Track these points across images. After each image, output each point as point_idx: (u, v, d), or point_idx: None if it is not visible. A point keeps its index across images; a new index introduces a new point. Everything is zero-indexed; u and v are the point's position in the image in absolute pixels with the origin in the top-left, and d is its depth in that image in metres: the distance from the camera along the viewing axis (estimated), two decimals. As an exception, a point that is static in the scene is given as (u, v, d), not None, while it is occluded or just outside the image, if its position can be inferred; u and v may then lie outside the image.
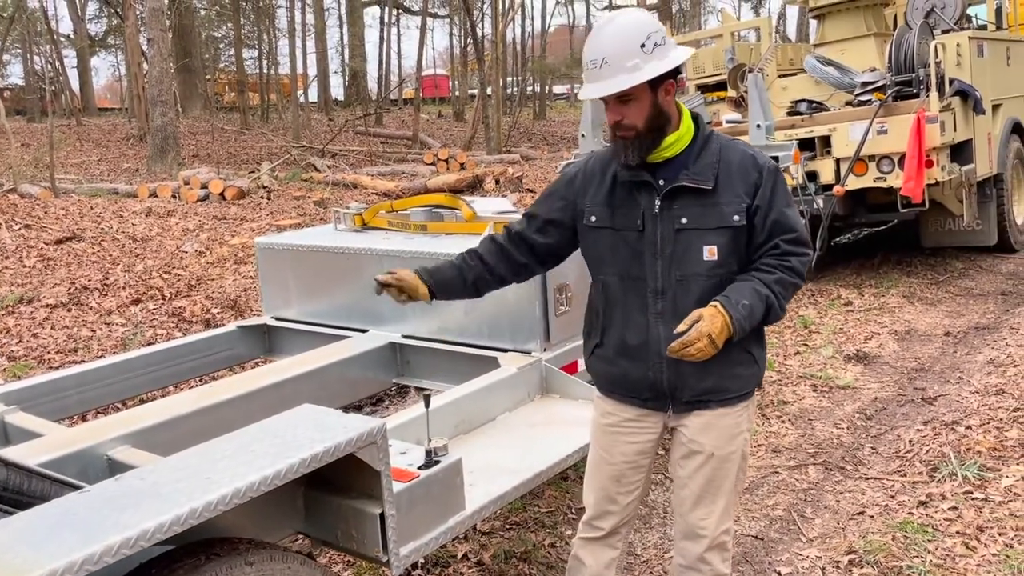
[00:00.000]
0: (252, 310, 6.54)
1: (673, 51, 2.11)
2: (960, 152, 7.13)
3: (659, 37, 2.08)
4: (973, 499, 3.47)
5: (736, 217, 2.12)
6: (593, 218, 2.25)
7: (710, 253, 2.13)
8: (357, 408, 4.57)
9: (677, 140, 2.15)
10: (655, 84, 2.09)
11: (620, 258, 2.22)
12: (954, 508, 3.41)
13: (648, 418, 2.29)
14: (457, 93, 36.59)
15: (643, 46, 2.06)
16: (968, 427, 4.17)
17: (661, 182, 2.15)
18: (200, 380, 4.41)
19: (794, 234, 2.16)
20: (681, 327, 2.05)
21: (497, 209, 4.15)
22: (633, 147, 2.12)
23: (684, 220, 2.14)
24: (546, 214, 2.37)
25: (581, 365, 3.53)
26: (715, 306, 2.06)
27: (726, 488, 2.25)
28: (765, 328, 2.27)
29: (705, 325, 2.02)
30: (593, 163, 2.32)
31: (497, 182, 13.98)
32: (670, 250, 2.15)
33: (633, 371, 2.22)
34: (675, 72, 2.13)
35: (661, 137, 2.13)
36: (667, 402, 2.23)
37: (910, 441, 4.13)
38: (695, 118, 2.21)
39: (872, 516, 3.44)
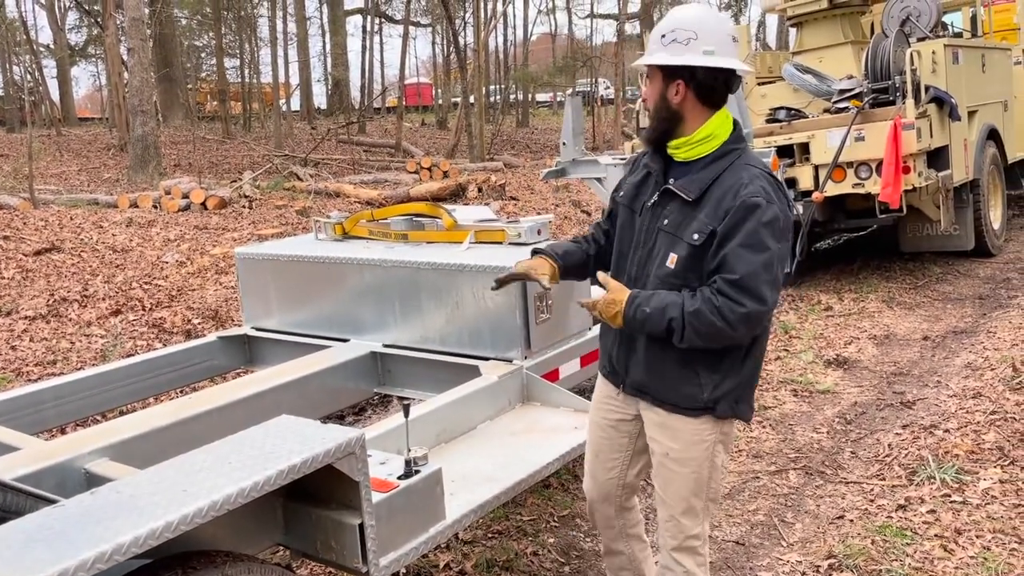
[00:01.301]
0: (233, 320, 6.51)
1: (691, 55, 2.13)
2: (937, 158, 7.22)
3: (683, 36, 2.13)
4: (951, 502, 3.50)
5: (696, 236, 2.13)
6: (621, 193, 2.41)
7: (671, 261, 2.17)
8: (339, 418, 4.56)
9: (689, 147, 2.20)
10: (668, 76, 2.17)
11: (622, 236, 2.36)
12: (932, 511, 3.44)
13: (619, 399, 2.42)
14: (440, 101, 36.61)
15: (663, 36, 2.17)
16: (946, 430, 4.21)
17: (670, 180, 2.23)
18: (180, 391, 4.39)
19: (733, 277, 2.05)
20: (588, 301, 2.27)
21: (478, 218, 4.16)
22: (648, 126, 2.27)
23: (666, 222, 2.21)
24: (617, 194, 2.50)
25: (562, 372, 3.55)
26: (623, 297, 2.18)
27: (685, 493, 2.26)
28: (735, 357, 2.20)
29: (601, 305, 2.21)
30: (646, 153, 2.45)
31: (480, 190, 13.99)
32: (649, 245, 2.24)
33: (608, 343, 2.42)
34: (692, 77, 2.15)
35: (667, 131, 2.22)
36: (619, 380, 2.39)
37: (889, 445, 4.16)
38: (732, 133, 2.22)
39: (852, 520, 3.47)
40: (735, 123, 2.25)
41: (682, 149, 2.21)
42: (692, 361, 2.18)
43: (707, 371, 2.19)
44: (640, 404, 2.34)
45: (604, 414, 2.47)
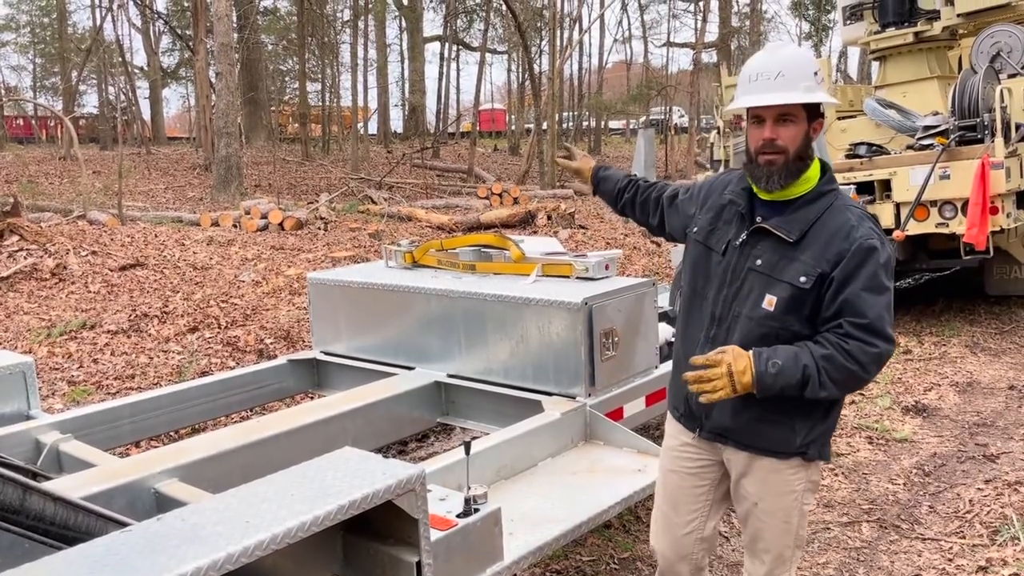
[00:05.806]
0: (304, 341, 6.63)
1: (826, 94, 2.17)
2: (1027, 199, 6.93)
3: (821, 75, 2.15)
4: (1037, 566, 3.31)
5: (803, 279, 2.08)
6: (695, 229, 2.35)
7: (768, 303, 2.12)
8: (403, 443, 4.59)
9: (796, 185, 2.16)
10: (812, 116, 2.14)
11: (699, 274, 2.29)
12: (1016, 574, 3.25)
13: (695, 443, 2.34)
14: (513, 127, 36.92)
15: (816, 74, 2.13)
16: (1033, 488, 3.99)
17: (758, 219, 2.18)
18: (251, 411, 4.49)
19: (863, 320, 2.03)
20: (700, 359, 2.10)
21: (546, 250, 4.15)
22: (779, 173, 2.13)
23: (759, 262, 2.15)
24: (678, 201, 2.54)
25: (627, 411, 3.50)
26: (747, 353, 2.08)
27: (776, 543, 2.26)
28: (827, 403, 2.17)
29: (729, 355, 2.06)
30: (717, 182, 2.40)
31: (549, 218, 13.98)
32: (737, 285, 2.18)
33: (682, 384, 2.23)
34: (820, 115, 2.18)
35: (801, 170, 2.14)
36: (696, 424, 2.31)
37: (970, 501, 3.97)
38: (823, 172, 2.20)
39: (928, 580, 3.31)
40: (825, 163, 2.21)
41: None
42: (785, 407, 2.13)
43: (802, 418, 2.16)
44: (723, 450, 2.29)
45: (683, 462, 2.37)
